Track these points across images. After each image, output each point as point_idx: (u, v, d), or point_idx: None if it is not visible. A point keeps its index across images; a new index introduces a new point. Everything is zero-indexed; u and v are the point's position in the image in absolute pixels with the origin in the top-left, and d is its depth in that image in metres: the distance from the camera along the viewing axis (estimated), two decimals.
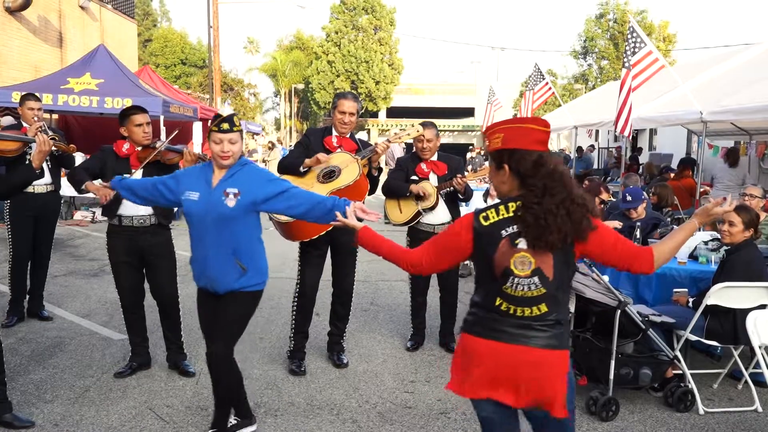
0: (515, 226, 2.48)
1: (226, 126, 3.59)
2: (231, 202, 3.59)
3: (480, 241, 2.53)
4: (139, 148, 4.81)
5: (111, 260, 4.89)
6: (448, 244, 2.64)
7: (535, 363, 2.50)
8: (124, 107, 5.11)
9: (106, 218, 4.98)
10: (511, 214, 2.50)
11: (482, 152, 28.68)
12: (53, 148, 5.53)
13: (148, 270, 4.90)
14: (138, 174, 4.70)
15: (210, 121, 3.68)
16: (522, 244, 2.48)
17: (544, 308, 2.51)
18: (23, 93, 6.55)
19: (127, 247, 4.78)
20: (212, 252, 3.64)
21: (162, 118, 12.18)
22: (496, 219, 2.51)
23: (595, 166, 21.13)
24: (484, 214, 2.54)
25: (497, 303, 2.53)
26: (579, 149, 20.19)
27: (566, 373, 2.56)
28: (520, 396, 2.52)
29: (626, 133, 9.92)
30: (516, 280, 2.48)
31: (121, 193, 3.97)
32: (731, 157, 11.04)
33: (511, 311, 2.51)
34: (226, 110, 4.41)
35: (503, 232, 2.50)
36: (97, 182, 4.65)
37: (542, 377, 2.51)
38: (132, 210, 4.66)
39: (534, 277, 2.47)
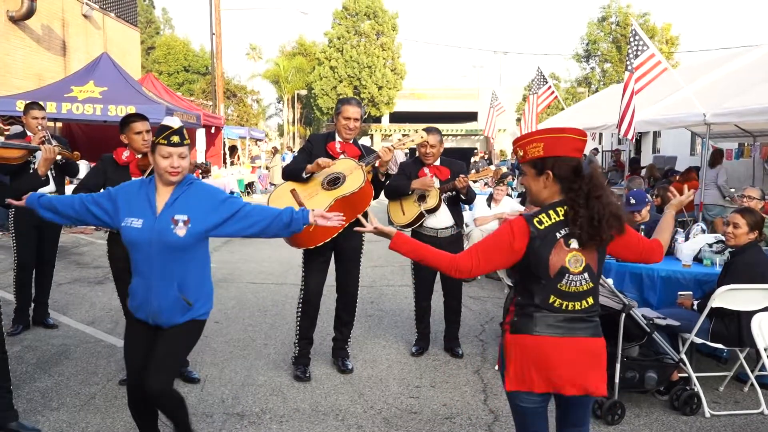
0: (567, 228, 2.70)
1: (176, 139, 3.21)
2: (181, 231, 3.19)
3: (534, 244, 2.70)
4: (140, 156, 4.81)
5: (112, 267, 4.89)
6: (501, 249, 2.76)
7: (587, 351, 2.74)
8: (126, 114, 5.12)
9: None
10: (562, 218, 2.71)
11: (486, 156, 28.72)
12: (58, 156, 5.56)
13: None
14: None
15: (156, 133, 3.27)
16: (574, 243, 2.71)
17: (591, 301, 2.77)
18: (27, 102, 6.58)
19: (126, 254, 4.78)
20: (156, 285, 3.24)
21: None
22: (550, 223, 2.71)
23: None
24: (537, 219, 2.72)
25: (551, 300, 2.72)
26: None
27: (605, 357, 2.85)
28: (577, 383, 2.71)
29: (629, 136, 9.91)
30: (570, 277, 2.71)
31: (39, 213, 3.44)
32: (712, 158, 11.18)
33: (563, 306, 2.72)
34: (172, 120, 4.13)
35: (557, 234, 2.71)
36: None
37: (594, 363, 2.75)
38: None
39: (585, 273, 2.72)
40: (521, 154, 2.83)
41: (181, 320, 3.32)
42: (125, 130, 4.81)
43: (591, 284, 2.74)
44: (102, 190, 3.44)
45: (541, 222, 2.71)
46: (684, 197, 3.35)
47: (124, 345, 3.55)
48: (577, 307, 2.73)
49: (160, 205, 3.25)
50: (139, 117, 4.91)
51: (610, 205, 2.69)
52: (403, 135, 5.31)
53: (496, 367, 5.37)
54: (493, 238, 2.81)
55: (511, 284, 5.02)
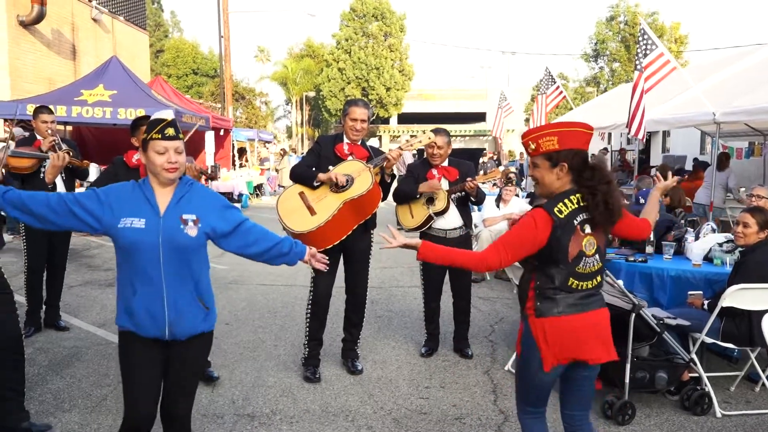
0: (583, 214, 2.92)
1: (171, 132, 2.91)
2: (192, 230, 2.93)
3: (556, 233, 2.88)
4: None
5: None
6: (526, 241, 2.91)
7: (600, 322, 3.02)
8: (137, 117, 5.12)
9: None
10: (577, 205, 2.92)
11: (495, 157, 28.65)
12: (72, 162, 5.59)
13: None
14: None
15: (147, 127, 2.97)
16: (588, 228, 2.94)
17: (599, 279, 3.03)
18: (36, 106, 6.61)
19: None
20: (170, 290, 2.91)
21: None
22: (568, 210, 2.91)
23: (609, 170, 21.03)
24: (557, 208, 2.90)
25: (569, 282, 2.92)
26: None
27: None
28: (597, 353, 2.97)
29: (640, 136, 9.88)
30: (586, 259, 2.94)
31: (6, 210, 2.96)
32: (720, 161, 11.14)
33: (580, 287, 2.95)
34: (165, 112, 3.00)
35: (575, 220, 2.91)
36: None
37: (605, 330, 3.04)
38: None
39: (596, 254, 2.98)
40: (533, 147, 2.98)
41: (199, 329, 3.02)
42: (136, 132, 4.82)
43: (600, 264, 3.00)
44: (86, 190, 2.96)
45: (560, 211, 2.89)
46: (669, 182, 3.61)
47: (124, 376, 3.04)
48: (590, 285, 2.97)
49: (163, 204, 2.95)
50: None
51: (616, 191, 2.95)
52: (411, 136, 5.31)
53: (509, 364, 5.38)
54: (517, 232, 2.95)
55: (514, 277, 5.02)
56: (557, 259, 2.90)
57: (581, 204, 2.92)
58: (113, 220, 2.92)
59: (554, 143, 2.92)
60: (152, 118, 2.97)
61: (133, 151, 4.88)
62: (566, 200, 2.92)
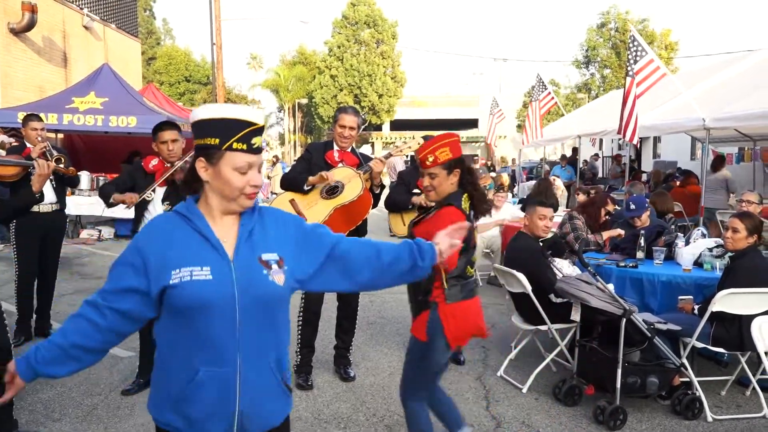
0: (471, 210, 3.41)
1: (258, 142, 2.04)
2: (278, 276, 2.05)
3: None
4: (168, 165, 4.79)
5: None
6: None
7: (479, 305, 3.50)
8: (160, 122, 5.04)
9: (112, 237, 5.01)
10: (468, 202, 3.38)
11: (488, 163, 28.72)
12: (58, 170, 5.57)
13: None
14: (160, 193, 4.71)
15: (221, 132, 1.97)
16: (475, 222, 3.48)
17: (474, 267, 3.53)
18: (26, 114, 6.58)
19: None
20: (246, 365, 2.02)
21: None
22: (466, 206, 3.36)
23: (600, 175, 21.13)
24: (462, 206, 3.33)
25: (467, 270, 3.36)
26: (563, 157, 20.14)
27: None
28: (481, 332, 3.48)
29: (635, 141, 9.93)
30: (474, 249, 3.42)
31: (48, 373, 2.13)
32: (714, 163, 11.23)
33: (471, 274, 3.44)
34: (251, 112, 1.99)
35: (470, 215, 3.40)
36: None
37: (481, 312, 3.54)
38: None
39: (476, 246, 3.54)
40: (432, 159, 3.33)
41: (279, 420, 2.21)
42: (155, 138, 4.78)
43: (477, 255, 3.48)
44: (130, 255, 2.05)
45: (465, 208, 3.33)
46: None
47: None
48: (473, 273, 3.46)
49: (229, 242, 2.05)
50: (168, 125, 4.86)
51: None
52: (402, 143, 5.33)
53: (501, 370, 5.37)
54: None
55: (506, 283, 5.02)
56: (463, 250, 3.16)
57: (468, 201, 3.38)
58: (159, 276, 1.98)
59: (448, 153, 3.32)
60: (226, 116, 2.00)
61: (151, 156, 4.85)
62: (462, 198, 3.35)
